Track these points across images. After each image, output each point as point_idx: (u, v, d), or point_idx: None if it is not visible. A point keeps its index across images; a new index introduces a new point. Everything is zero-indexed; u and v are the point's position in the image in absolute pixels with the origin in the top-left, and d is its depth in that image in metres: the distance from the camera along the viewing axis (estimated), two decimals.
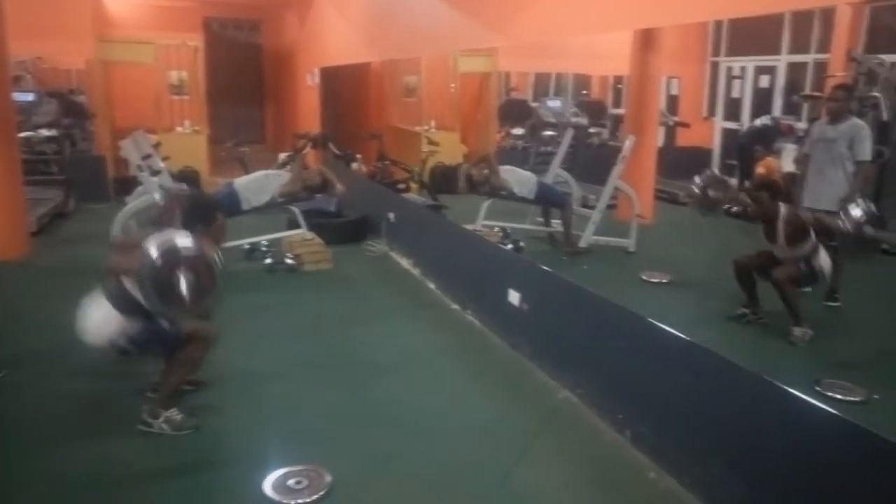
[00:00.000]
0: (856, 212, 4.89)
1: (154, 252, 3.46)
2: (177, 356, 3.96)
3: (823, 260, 5.38)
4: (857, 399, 4.33)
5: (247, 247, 7.56)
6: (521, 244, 7.74)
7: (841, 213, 4.98)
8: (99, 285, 3.84)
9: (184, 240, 3.58)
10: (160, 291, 3.46)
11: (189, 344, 3.95)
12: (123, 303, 3.73)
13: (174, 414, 3.96)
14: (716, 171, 7.88)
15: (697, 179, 6.08)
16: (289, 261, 7.24)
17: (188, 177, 9.90)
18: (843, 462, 2.68)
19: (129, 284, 3.65)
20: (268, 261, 7.29)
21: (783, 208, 5.39)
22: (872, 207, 5.00)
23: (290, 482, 3.44)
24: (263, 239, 7.58)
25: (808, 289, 5.66)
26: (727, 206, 6.17)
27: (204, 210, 4.05)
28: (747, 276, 5.58)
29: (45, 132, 10.09)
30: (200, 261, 3.52)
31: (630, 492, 3.54)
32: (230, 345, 5.24)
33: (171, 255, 3.48)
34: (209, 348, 4.05)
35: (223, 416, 4.18)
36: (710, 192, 5.98)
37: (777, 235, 5.36)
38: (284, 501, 3.32)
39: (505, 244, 7.46)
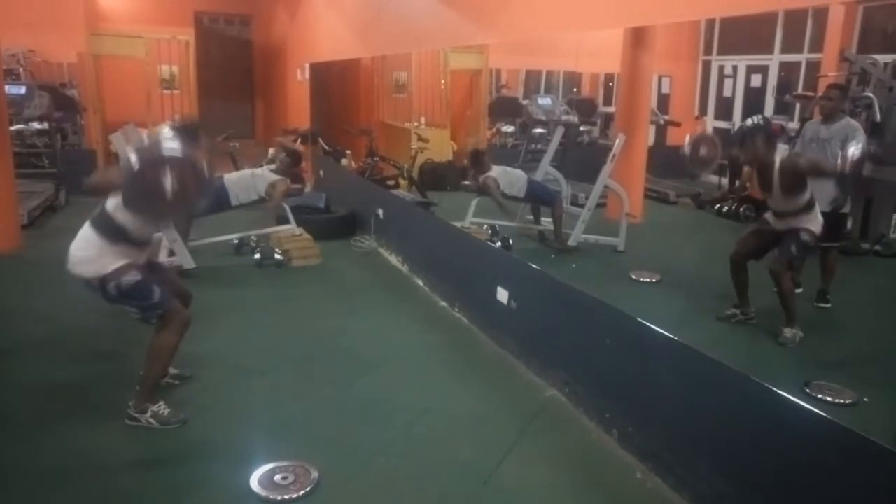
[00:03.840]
0: (853, 150, 4.81)
1: (134, 155, 3.41)
2: (150, 345, 3.92)
3: (816, 220, 5.26)
4: (846, 401, 4.31)
5: (235, 241, 7.54)
6: (510, 241, 7.71)
7: (840, 155, 4.91)
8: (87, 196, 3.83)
9: (168, 143, 3.51)
10: (140, 190, 3.39)
11: (163, 329, 3.90)
12: (111, 232, 3.73)
13: (161, 408, 3.94)
14: (708, 130, 7.72)
15: (688, 139, 6.03)
16: (277, 256, 7.21)
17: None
18: (831, 464, 2.67)
19: (112, 206, 3.69)
20: (256, 256, 7.25)
21: (779, 154, 5.23)
22: (871, 146, 4.90)
23: (277, 477, 3.43)
24: (252, 234, 7.55)
25: (799, 289, 5.65)
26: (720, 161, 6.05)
27: (189, 130, 3.90)
28: (743, 272, 5.53)
29: (36, 125, 10.06)
30: (184, 162, 3.43)
31: (616, 491, 3.52)
32: (218, 339, 5.25)
33: (152, 154, 3.42)
34: (182, 334, 3.99)
35: (210, 411, 4.16)
36: (702, 151, 5.93)
37: (773, 184, 5.20)
38: (271, 497, 3.30)
39: (493, 242, 7.44)
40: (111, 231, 3.74)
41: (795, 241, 5.19)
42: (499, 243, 7.47)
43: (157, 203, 3.43)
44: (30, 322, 5.49)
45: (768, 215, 5.49)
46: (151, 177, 3.36)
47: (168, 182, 3.34)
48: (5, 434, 3.86)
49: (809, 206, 5.24)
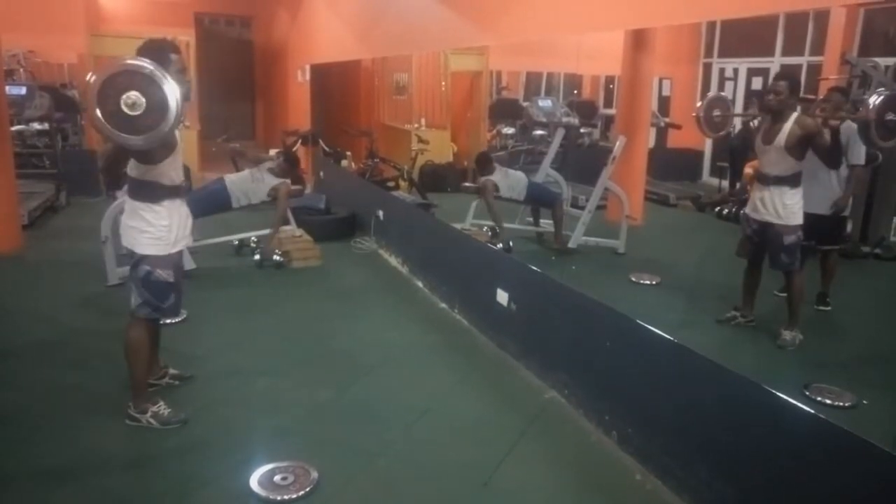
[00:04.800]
0: (876, 99, 4.75)
1: (93, 76, 3.29)
2: (125, 346, 3.92)
3: (797, 207, 5.13)
4: (845, 404, 4.32)
5: (235, 243, 7.55)
6: (510, 244, 7.71)
7: (865, 101, 4.84)
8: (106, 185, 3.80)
9: (130, 60, 3.35)
10: (108, 110, 3.24)
11: (135, 327, 3.91)
12: (143, 191, 3.72)
13: (162, 408, 3.95)
14: (722, 94, 7.69)
15: (699, 103, 6.02)
16: (277, 257, 7.20)
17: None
18: (831, 467, 2.67)
19: (131, 168, 3.67)
20: (256, 257, 7.25)
21: (797, 109, 5.13)
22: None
23: (277, 478, 3.43)
24: (252, 235, 7.54)
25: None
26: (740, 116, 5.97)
27: (157, 52, 3.66)
28: (757, 273, 5.51)
29: (36, 126, 10.10)
30: (151, 81, 3.28)
31: (615, 493, 3.52)
32: (218, 340, 5.25)
33: (107, 70, 3.29)
34: (152, 332, 4.04)
35: (211, 411, 4.16)
36: (715, 112, 5.92)
37: (778, 135, 5.04)
38: (271, 497, 3.31)
39: (494, 244, 7.44)
40: (146, 190, 3.72)
41: (782, 250, 5.14)
42: (499, 245, 7.46)
43: (123, 126, 3.28)
44: (30, 322, 5.49)
45: (748, 207, 5.43)
46: (113, 92, 3.24)
47: (131, 95, 3.23)
48: (6, 434, 3.86)
49: (795, 181, 5.12)
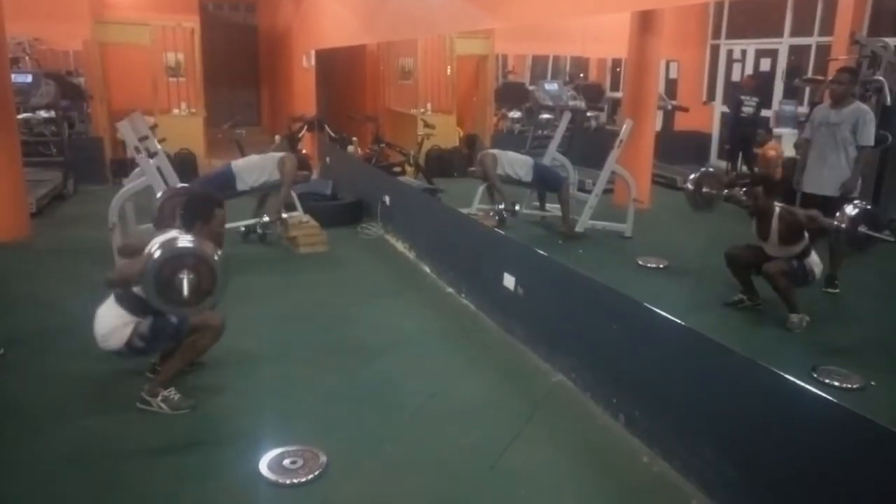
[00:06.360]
0: (852, 210, 4.85)
1: (156, 255, 3.48)
2: (183, 342, 3.99)
3: (815, 262, 5.32)
4: (853, 386, 4.32)
5: (242, 229, 7.54)
6: (516, 206, 7.74)
7: (837, 213, 4.94)
8: (105, 290, 3.86)
9: (184, 241, 3.61)
10: (163, 293, 3.47)
11: (197, 332, 3.97)
12: (134, 306, 3.79)
13: (172, 393, 3.98)
14: (710, 168, 7.90)
15: (691, 177, 6.08)
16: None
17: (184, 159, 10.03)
18: (839, 448, 2.67)
19: (137, 289, 3.71)
20: (259, 229, 7.38)
21: (778, 206, 5.31)
22: (869, 205, 4.95)
23: (286, 462, 3.46)
24: (259, 222, 7.53)
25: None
26: (724, 197, 6.08)
27: (202, 205, 4.05)
28: (740, 267, 5.54)
29: (43, 114, 10.07)
30: (201, 261, 3.52)
31: (622, 475, 3.53)
32: (227, 326, 5.24)
33: (172, 258, 3.49)
34: (217, 338, 4.07)
35: (220, 397, 4.19)
36: (704, 190, 5.98)
37: (770, 232, 5.28)
38: (280, 480, 3.33)
39: (505, 214, 7.50)
40: (139, 307, 3.79)
41: (798, 262, 5.27)
42: (502, 206, 7.56)
43: (177, 303, 3.51)
44: (40, 311, 5.50)
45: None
46: (171, 280, 3.44)
47: (187, 286, 3.44)
48: (14, 422, 3.89)
49: (806, 253, 5.28)
